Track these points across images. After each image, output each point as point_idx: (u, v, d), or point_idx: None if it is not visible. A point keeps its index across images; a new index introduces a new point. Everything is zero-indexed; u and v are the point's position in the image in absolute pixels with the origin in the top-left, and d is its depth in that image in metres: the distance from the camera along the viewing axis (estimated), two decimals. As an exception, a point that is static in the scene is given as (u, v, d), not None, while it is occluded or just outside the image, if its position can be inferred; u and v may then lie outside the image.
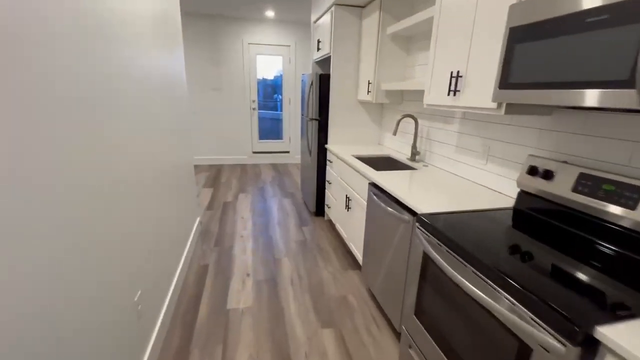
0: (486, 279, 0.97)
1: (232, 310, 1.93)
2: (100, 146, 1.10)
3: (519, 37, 1.11)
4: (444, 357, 1.20)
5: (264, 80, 5.59)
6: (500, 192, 1.68)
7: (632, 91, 0.79)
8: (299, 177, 4.88)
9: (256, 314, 1.90)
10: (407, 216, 1.50)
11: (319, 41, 3.28)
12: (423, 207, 1.42)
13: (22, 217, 0.73)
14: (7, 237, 0.68)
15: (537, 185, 1.32)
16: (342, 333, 1.78)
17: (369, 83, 2.66)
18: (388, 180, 1.83)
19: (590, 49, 0.89)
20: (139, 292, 1.36)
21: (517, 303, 0.86)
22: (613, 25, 0.84)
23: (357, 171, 2.20)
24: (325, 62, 3.47)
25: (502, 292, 0.91)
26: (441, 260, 1.14)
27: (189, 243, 2.44)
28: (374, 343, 1.71)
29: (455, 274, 1.06)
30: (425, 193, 1.62)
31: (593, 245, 1.09)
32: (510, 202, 1.53)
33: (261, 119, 5.65)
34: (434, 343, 1.26)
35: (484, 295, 0.95)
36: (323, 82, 3.01)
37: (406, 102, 2.65)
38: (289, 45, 5.32)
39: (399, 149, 2.80)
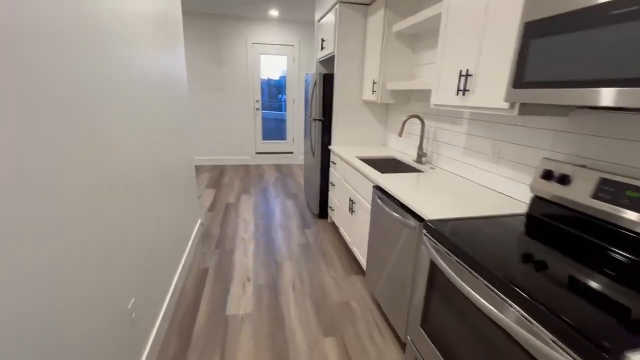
0: (500, 293, 0.89)
1: (232, 316, 1.87)
2: (98, 146, 1.08)
3: (535, 32, 1.04)
4: (452, 373, 1.13)
5: (269, 80, 5.54)
6: (511, 197, 1.60)
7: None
8: (302, 178, 4.83)
9: (256, 321, 1.84)
10: (413, 222, 1.43)
11: (322, 40, 3.22)
12: (430, 212, 1.35)
13: (18, 218, 0.72)
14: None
15: (553, 190, 1.24)
16: (345, 341, 1.71)
17: (373, 82, 2.59)
18: (393, 183, 1.76)
19: (615, 44, 0.82)
20: (133, 299, 1.31)
21: (534, 322, 0.78)
22: (643, 17, 0.76)
23: (361, 173, 2.13)
24: (329, 61, 3.40)
25: (518, 308, 0.83)
26: (450, 270, 1.07)
27: (189, 246, 2.40)
28: (377, 353, 1.64)
29: (465, 286, 0.99)
30: (432, 197, 1.55)
31: (615, 255, 1.01)
32: (522, 208, 1.45)
33: (265, 120, 5.60)
34: (442, 359, 1.19)
35: (497, 312, 0.88)
36: (327, 82, 2.94)
37: (412, 102, 2.57)
38: (293, 45, 5.27)
39: (405, 151, 2.72)
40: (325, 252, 2.64)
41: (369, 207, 2.00)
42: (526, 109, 1.19)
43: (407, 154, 2.64)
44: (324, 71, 3.48)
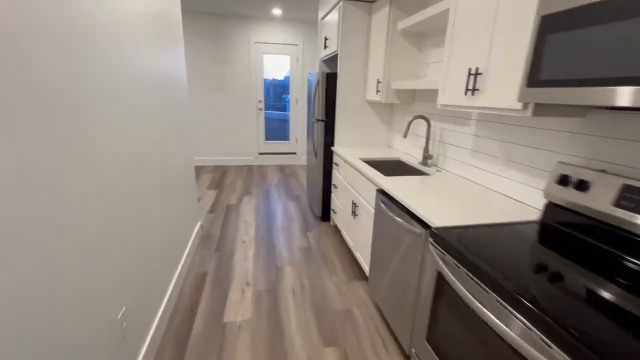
0: (514, 311, 0.81)
1: (229, 323, 1.81)
2: (94, 147, 1.06)
3: (553, 26, 0.96)
4: (461, 393, 1.05)
5: (274, 80, 5.49)
6: (521, 202, 1.51)
7: None
8: (305, 180, 4.76)
9: (254, 329, 1.77)
10: (419, 229, 1.36)
11: (326, 38, 3.15)
12: (437, 219, 1.27)
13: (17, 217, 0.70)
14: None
15: (569, 197, 1.15)
16: (347, 352, 1.64)
17: (378, 82, 2.52)
18: (397, 187, 1.68)
19: (645, 38, 0.74)
20: (124, 308, 1.25)
21: (554, 346, 0.70)
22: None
23: (364, 176, 2.05)
24: (332, 60, 3.33)
25: (535, 330, 0.75)
26: (458, 284, 0.99)
27: (187, 249, 2.34)
28: (380, 365, 1.57)
29: (475, 301, 0.91)
30: (439, 202, 1.47)
31: (639, 269, 0.92)
32: (534, 214, 1.36)
33: (268, 120, 5.54)
34: (448, 375, 1.11)
35: (510, 332, 0.80)
36: (330, 82, 2.87)
37: (418, 102, 2.49)
38: (297, 45, 5.21)
39: (410, 152, 2.64)
40: (327, 257, 2.57)
41: (372, 211, 1.92)
42: (541, 109, 1.11)
43: (412, 156, 2.56)
44: (327, 70, 3.42)
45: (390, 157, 2.55)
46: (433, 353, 1.21)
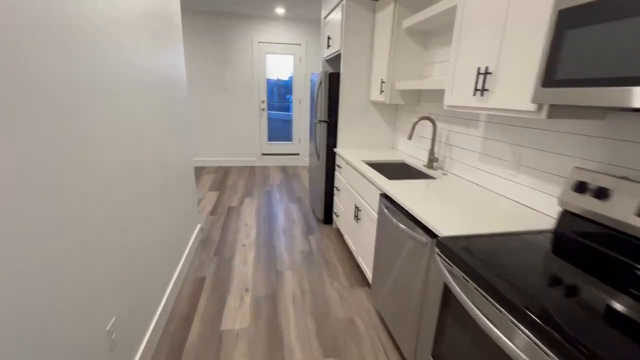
0: (531, 335, 0.74)
1: (227, 331, 1.75)
2: (93, 147, 1.05)
3: (571, 21, 0.88)
4: (469, 415, 0.98)
5: (278, 81, 5.43)
6: (533, 208, 1.43)
7: None
8: (308, 181, 4.70)
9: (252, 337, 1.71)
10: (424, 238, 1.28)
11: (329, 38, 3.08)
12: (443, 227, 1.19)
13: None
14: None
15: (587, 205, 1.07)
16: (347, 364, 1.57)
17: (382, 82, 2.44)
18: (402, 191, 1.61)
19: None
20: (113, 318, 1.20)
21: (576, 376, 0.63)
22: None
23: (367, 179, 1.98)
24: (335, 60, 3.27)
25: (553, 356, 0.68)
26: (467, 300, 0.92)
27: (186, 252, 2.29)
28: (383, 378, 1.50)
29: (486, 320, 0.84)
30: (445, 208, 1.39)
31: (667, 287, 0.84)
32: (546, 221, 1.29)
33: (271, 120, 5.49)
34: (455, 395, 1.04)
35: (525, 357, 0.73)
36: (333, 82, 2.80)
37: (423, 103, 2.41)
38: (300, 44, 5.15)
39: (415, 155, 2.56)
40: (329, 261, 2.50)
41: (376, 216, 1.85)
42: (557, 111, 1.03)
43: (418, 159, 2.48)
44: (330, 70, 3.35)
45: (394, 159, 2.48)
46: (439, 370, 1.14)
